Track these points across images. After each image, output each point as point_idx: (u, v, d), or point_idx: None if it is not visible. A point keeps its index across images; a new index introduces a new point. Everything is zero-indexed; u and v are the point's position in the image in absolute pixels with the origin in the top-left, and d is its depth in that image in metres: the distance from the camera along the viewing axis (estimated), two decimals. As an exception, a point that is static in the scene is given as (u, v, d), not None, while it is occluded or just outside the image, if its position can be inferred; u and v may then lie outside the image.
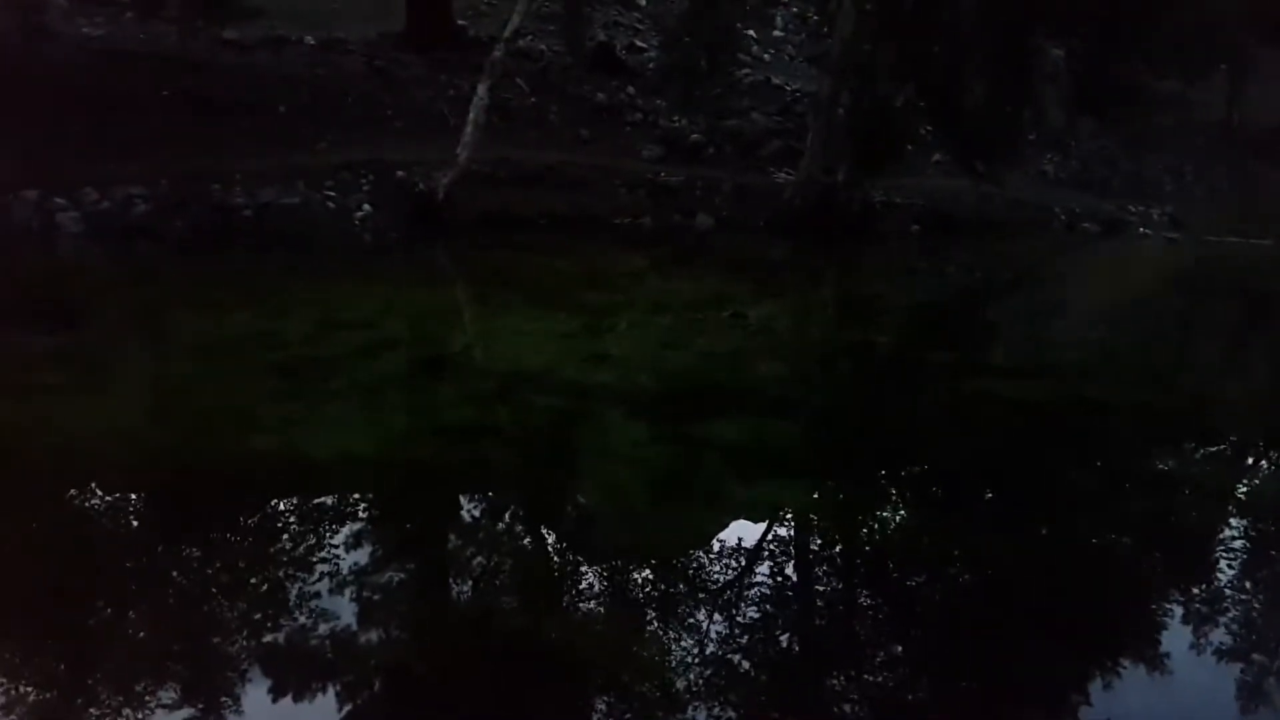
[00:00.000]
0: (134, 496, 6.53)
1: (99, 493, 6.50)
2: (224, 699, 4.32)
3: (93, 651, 4.66)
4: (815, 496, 6.84)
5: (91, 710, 4.21)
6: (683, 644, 4.78)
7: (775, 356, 10.45)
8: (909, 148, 19.37)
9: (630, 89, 22.85)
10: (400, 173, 17.05)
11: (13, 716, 4.08)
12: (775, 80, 24.19)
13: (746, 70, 24.24)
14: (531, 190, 17.72)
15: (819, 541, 6.30)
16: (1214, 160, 28.03)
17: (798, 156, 19.29)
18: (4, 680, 4.31)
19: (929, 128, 20.08)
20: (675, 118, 21.77)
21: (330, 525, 6.00)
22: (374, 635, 4.87)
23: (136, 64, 18.03)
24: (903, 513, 6.82)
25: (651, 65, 23.47)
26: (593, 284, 13.50)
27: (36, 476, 6.63)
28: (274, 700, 4.36)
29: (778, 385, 9.18)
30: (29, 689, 4.29)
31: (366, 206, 16.25)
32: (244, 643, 4.73)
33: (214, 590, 5.27)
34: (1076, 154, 25.67)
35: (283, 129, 17.58)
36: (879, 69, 17.92)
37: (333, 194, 16.18)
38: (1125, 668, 4.79)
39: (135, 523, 6.25)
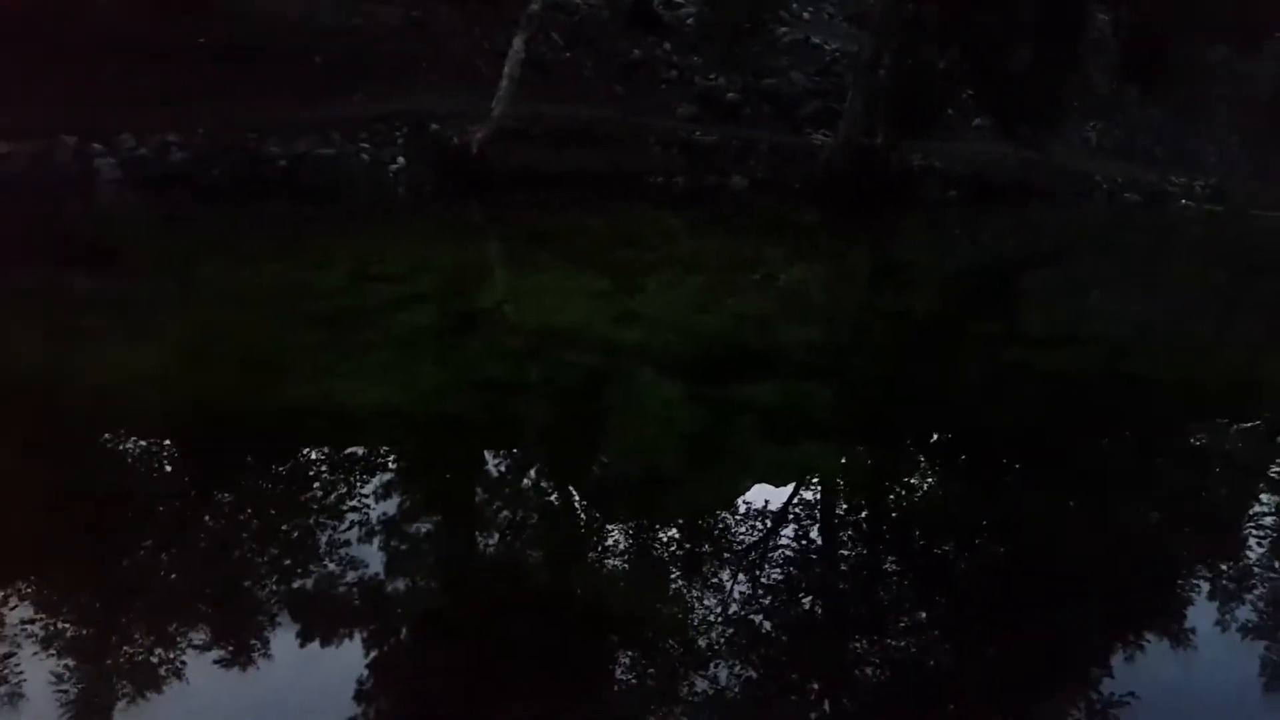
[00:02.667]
0: (171, 442, 6.61)
1: (137, 437, 6.59)
2: (252, 641, 4.38)
3: (126, 592, 4.73)
4: (848, 462, 6.81)
5: (124, 649, 4.29)
6: (711, 605, 4.79)
7: (808, 320, 10.38)
8: (950, 112, 19.05)
9: (666, 45, 22.58)
10: (435, 126, 16.99)
11: (51, 653, 4.17)
12: (814, 39, 23.80)
13: (785, 28, 23.87)
14: (564, 147, 17.60)
15: (851, 507, 6.28)
16: (1261, 133, 27.40)
17: (836, 118, 19.04)
18: (42, 618, 4.41)
19: (970, 91, 19.72)
20: (712, 75, 21.51)
21: (364, 476, 6.05)
22: (402, 586, 4.91)
23: (174, 12, 18.00)
24: (936, 481, 6.79)
25: (689, 21, 23.15)
26: (625, 243, 13.44)
27: (76, 419, 6.72)
28: (301, 645, 4.42)
29: (811, 349, 9.12)
30: (65, 627, 4.38)
31: (401, 159, 16.22)
32: (274, 588, 4.80)
33: (246, 536, 5.33)
34: (1120, 123, 25.17)
35: (318, 79, 17.54)
36: (922, 30, 17.59)
37: (367, 146, 16.16)
38: (1156, 641, 4.76)
39: (172, 468, 6.33)
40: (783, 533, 5.66)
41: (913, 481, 6.71)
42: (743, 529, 5.67)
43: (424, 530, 5.55)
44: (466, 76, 18.87)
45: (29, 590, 4.67)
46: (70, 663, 4.13)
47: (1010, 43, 18.07)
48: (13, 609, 4.44)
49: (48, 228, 12.37)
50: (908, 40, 17.67)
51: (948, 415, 7.93)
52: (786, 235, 15.36)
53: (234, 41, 17.63)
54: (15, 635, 4.24)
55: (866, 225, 16.95)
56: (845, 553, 5.74)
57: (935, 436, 7.81)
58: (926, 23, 17.66)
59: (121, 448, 6.50)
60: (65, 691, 3.97)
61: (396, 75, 18.45)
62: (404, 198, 15.51)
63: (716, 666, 4.31)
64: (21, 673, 4.03)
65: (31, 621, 4.37)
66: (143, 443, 6.58)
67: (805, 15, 26.24)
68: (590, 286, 10.67)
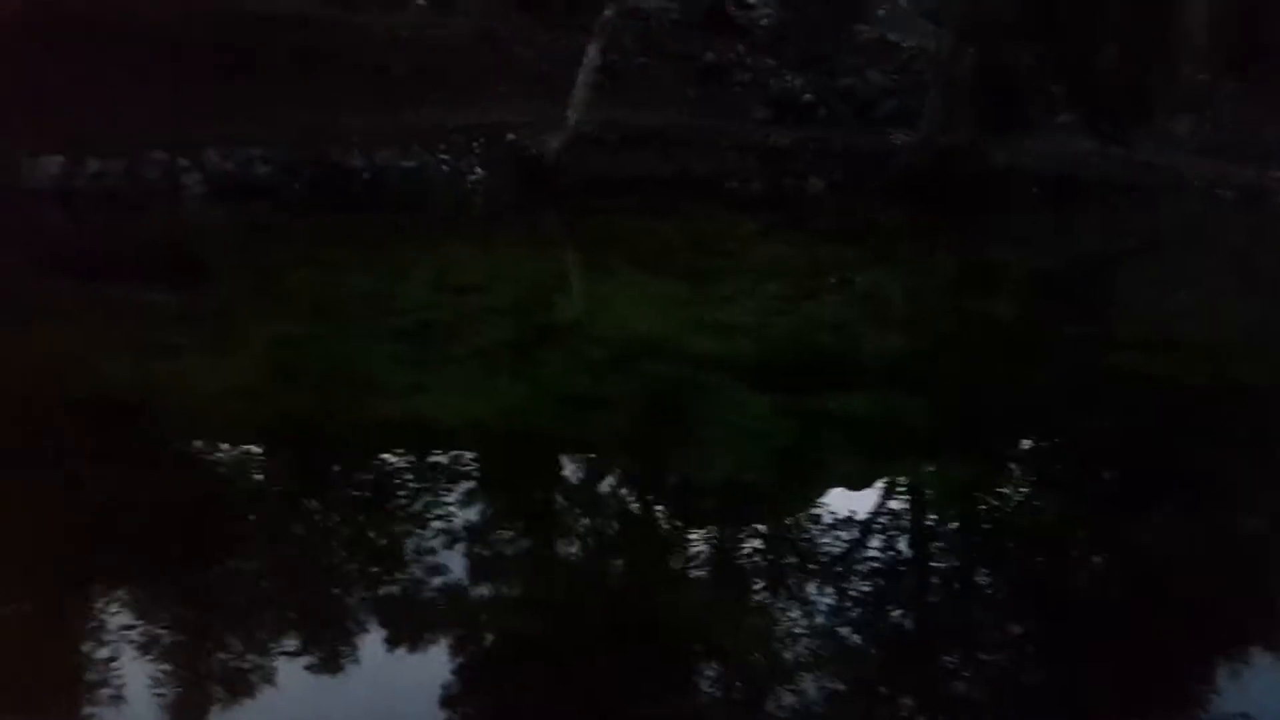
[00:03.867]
0: (260, 454, 6.68)
1: (226, 449, 6.67)
2: (340, 649, 4.45)
3: (217, 601, 4.85)
4: (942, 476, 6.59)
5: (215, 655, 4.40)
6: (801, 621, 4.69)
7: (894, 326, 10.15)
8: (1034, 108, 18.54)
9: (740, 47, 22.37)
10: (511, 135, 17.04)
11: (147, 657, 4.29)
12: (891, 36, 23.40)
13: (862, 26, 23.51)
14: (639, 153, 17.52)
15: (946, 522, 6.08)
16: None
17: (915, 116, 18.65)
18: (139, 624, 4.52)
19: (1055, 87, 19.17)
20: (787, 77, 21.26)
21: (451, 491, 6.03)
22: (486, 600, 4.92)
23: (254, 24, 18.34)
24: (1033, 495, 6.56)
25: (764, 23, 22.93)
26: (701, 248, 13.32)
27: (166, 431, 6.83)
28: (386, 652, 4.47)
29: (897, 357, 8.90)
30: (160, 634, 4.48)
31: (478, 170, 16.31)
32: (361, 598, 4.84)
33: (334, 547, 5.36)
34: (1213, 117, 24.28)
35: (397, 91, 17.71)
36: (1005, 25, 17.14)
37: (446, 157, 16.28)
38: (1268, 661, 4.58)
39: (261, 480, 6.39)
40: (875, 548, 5.51)
41: (1008, 495, 6.50)
42: (833, 544, 5.54)
43: (511, 544, 5.53)
44: (541, 85, 18.90)
45: (126, 598, 4.80)
46: (166, 667, 4.26)
47: (1097, 36, 17.52)
48: (112, 615, 4.59)
49: (137, 242, 12.65)
50: (990, 36, 17.23)
51: (1047, 426, 7.67)
52: (866, 237, 15.08)
53: (313, 53, 17.90)
54: (115, 640, 4.38)
55: (949, 226, 16.56)
56: (939, 569, 5.59)
57: (1035, 450, 7.56)
58: (1008, 18, 17.20)
59: (211, 460, 6.59)
60: (161, 694, 4.09)
61: (473, 85, 18.55)
62: (482, 208, 15.60)
63: (803, 681, 4.23)
64: (121, 677, 4.15)
65: (130, 628, 4.49)
66: (232, 455, 6.66)
67: (880, 13, 25.83)
68: (668, 294, 10.57)
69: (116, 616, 4.59)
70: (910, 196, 16.88)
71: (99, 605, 4.71)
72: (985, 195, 17.08)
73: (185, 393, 7.26)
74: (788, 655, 4.44)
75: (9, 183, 14.12)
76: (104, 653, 4.31)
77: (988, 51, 17.37)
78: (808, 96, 20.59)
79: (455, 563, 5.14)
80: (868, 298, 11.26)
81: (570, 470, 6.63)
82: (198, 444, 6.76)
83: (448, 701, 4.20)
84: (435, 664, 4.39)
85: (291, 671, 4.27)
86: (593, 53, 16.63)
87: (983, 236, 16.05)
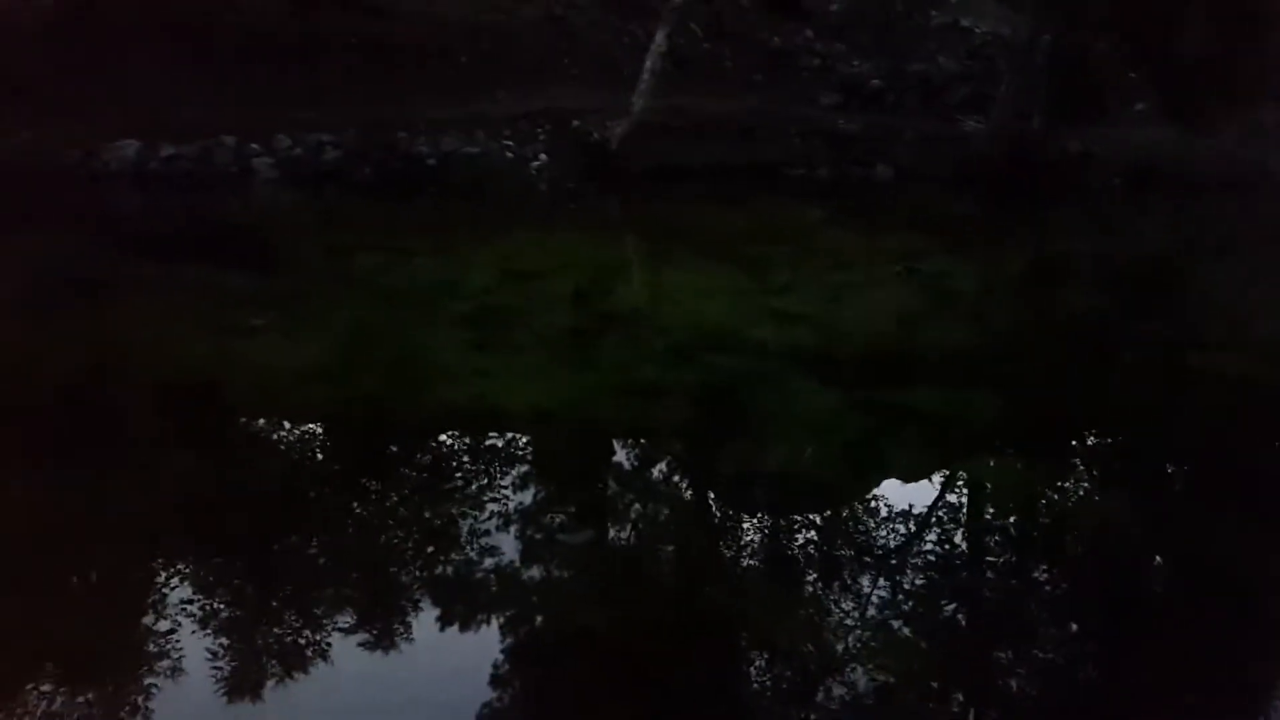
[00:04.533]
0: (328, 437, 6.77)
1: (295, 432, 6.77)
2: (399, 629, 4.56)
3: (283, 579, 4.97)
4: (1014, 476, 6.44)
5: (276, 630, 4.53)
6: (868, 620, 4.66)
7: (963, 319, 9.94)
8: (1111, 95, 18.04)
9: (808, 32, 22.09)
10: (576, 122, 17.04)
11: (209, 631, 4.46)
12: (964, 22, 22.93)
13: (933, 11, 23.07)
14: (704, 140, 17.40)
15: (1019, 524, 5.94)
16: None
17: (987, 104, 18.28)
18: (202, 599, 4.67)
19: (1133, 74, 18.63)
20: (855, 62, 20.95)
21: (515, 479, 6.05)
22: (546, 589, 4.93)
23: (323, 10, 18.55)
24: (1103, 496, 6.38)
25: (834, 7, 22.62)
26: (767, 238, 13.17)
27: (237, 413, 6.96)
28: (445, 631, 4.57)
29: (967, 350, 8.73)
30: (223, 609, 4.64)
31: (543, 156, 16.33)
32: (422, 584, 4.91)
33: (400, 531, 5.41)
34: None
35: (463, 77, 17.82)
36: (1082, 10, 16.68)
37: (511, 144, 16.32)
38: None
39: (328, 463, 6.47)
40: (938, 544, 5.43)
41: (1076, 493, 6.33)
42: (895, 539, 5.48)
43: (571, 532, 5.52)
44: (607, 72, 18.87)
45: (194, 573, 4.95)
46: (232, 641, 4.40)
47: (1179, 19, 16.96)
48: (175, 589, 4.74)
49: (210, 224, 12.90)
50: (1067, 20, 16.78)
51: (1114, 423, 7.47)
52: (935, 227, 14.78)
53: (382, 39, 18.06)
54: (177, 614, 4.53)
55: (1022, 216, 16.20)
56: (1002, 566, 5.48)
57: (1101, 446, 7.36)
58: (1087, 2, 16.73)
59: (281, 441, 6.69)
60: (220, 668, 4.23)
61: (538, 72, 18.58)
62: (546, 194, 15.61)
63: (859, 675, 4.24)
64: (182, 649, 4.31)
65: (191, 602, 4.64)
66: (301, 437, 6.76)
67: (952, -2, 25.32)
68: (734, 283, 10.49)
69: (177, 590, 4.72)
70: (981, 185, 16.54)
71: (172, 581, 4.82)
72: (1059, 185, 16.67)
73: (258, 373, 7.39)
74: (845, 649, 4.43)
75: (87, 166, 14.48)
76: (173, 627, 4.44)
77: (1064, 36, 16.93)
78: (877, 82, 20.28)
79: (515, 548, 5.18)
80: (935, 289, 11.04)
81: (632, 460, 6.60)
82: (270, 424, 6.88)
83: (499, 682, 4.28)
84: (490, 647, 4.46)
85: (351, 649, 4.37)
86: (660, 39, 16.54)
87: (1055, 228, 15.66)
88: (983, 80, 19.79)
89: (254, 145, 15.14)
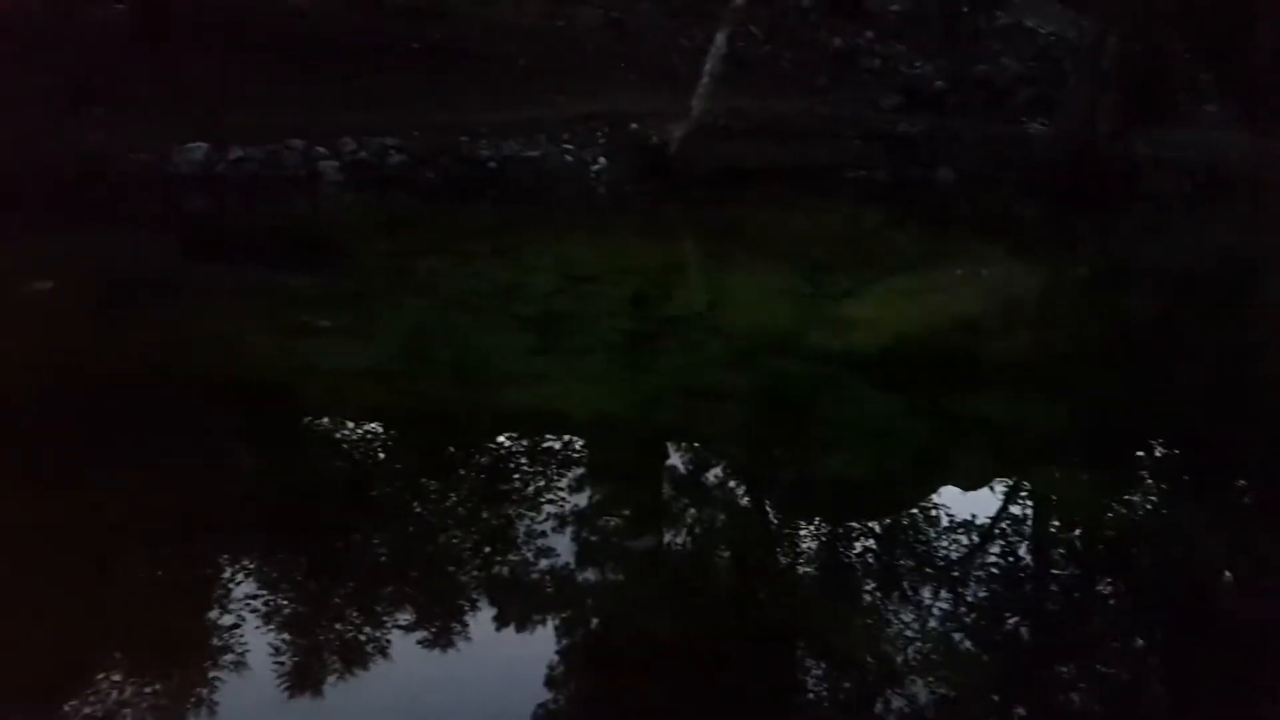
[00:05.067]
0: (391, 438, 6.87)
1: (358, 432, 6.89)
2: (455, 627, 4.62)
3: (341, 576, 5.05)
4: (1075, 483, 6.34)
5: (335, 626, 4.63)
6: (932, 630, 4.61)
7: (1025, 324, 9.80)
8: (1181, 98, 17.64)
9: (869, 33, 21.92)
10: (634, 125, 17.07)
11: (271, 626, 4.54)
12: (1028, 22, 22.59)
13: (997, 12, 22.76)
14: (763, 142, 17.32)
15: (1079, 532, 5.84)
16: None
17: (1052, 106, 17.97)
18: (263, 594, 4.79)
19: (1204, 75, 18.18)
20: (917, 64, 20.73)
21: (578, 483, 6.09)
22: (603, 592, 4.99)
23: (386, 14, 18.81)
24: (1168, 506, 6.25)
25: (895, 7, 22.42)
26: (827, 241, 13.12)
27: (305, 413, 7.10)
28: (500, 631, 4.64)
29: (1030, 357, 8.60)
30: (283, 604, 4.75)
31: (602, 160, 16.38)
32: (477, 583, 4.97)
33: (457, 533, 5.48)
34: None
35: (523, 81, 17.94)
36: (1153, 11, 16.32)
37: (570, 147, 16.40)
38: None
39: (392, 464, 6.56)
40: (999, 554, 5.38)
41: (1148, 510, 6.20)
42: (955, 548, 5.43)
43: (630, 536, 5.55)
44: (666, 74, 18.88)
45: (258, 569, 5.07)
46: (287, 636, 4.49)
47: (1251, 22, 16.52)
48: (239, 584, 4.86)
49: (276, 226, 13.15)
50: (1135, 22, 16.43)
51: (1185, 436, 7.30)
52: (998, 231, 14.60)
53: (443, 43, 18.26)
54: (239, 609, 4.63)
55: (1088, 221, 15.90)
56: (1062, 577, 5.42)
57: (1168, 455, 7.21)
58: (1156, 2, 16.37)
59: (345, 441, 6.81)
60: (282, 663, 4.32)
61: (598, 75, 18.65)
62: (605, 197, 15.67)
63: (914, 685, 4.20)
64: (245, 644, 4.40)
65: (255, 597, 4.74)
66: (365, 437, 6.87)
67: (1017, -2, 24.94)
68: (793, 286, 10.45)
69: (240, 586, 4.83)
70: (1046, 189, 16.26)
71: (236, 576, 4.95)
72: (1126, 190, 16.33)
73: (323, 373, 7.51)
74: (902, 660, 4.39)
75: (158, 168, 14.83)
76: (236, 621, 4.54)
77: (1132, 38, 16.58)
78: (939, 84, 20.04)
79: (576, 552, 5.22)
80: (998, 294, 10.90)
81: (692, 465, 6.61)
82: (334, 423, 7.01)
83: (555, 684, 4.32)
84: (548, 649, 4.51)
85: (412, 648, 4.43)
86: (720, 41, 16.50)
87: (1122, 233, 15.36)
88: (1047, 82, 19.46)
89: (320, 149, 15.38)
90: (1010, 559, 5.37)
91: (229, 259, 11.07)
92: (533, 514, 5.57)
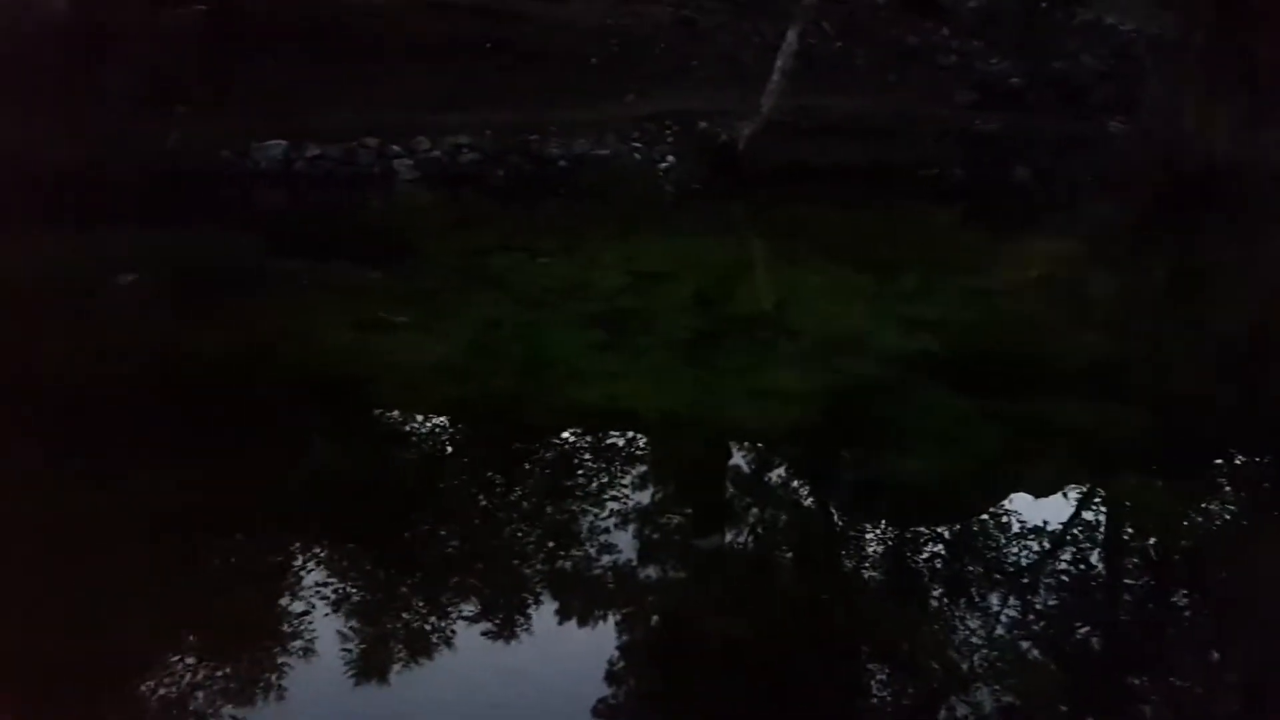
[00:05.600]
0: (466, 433, 6.99)
1: (434, 426, 7.01)
2: (517, 617, 4.72)
3: (410, 566, 5.19)
4: (1151, 491, 6.18)
5: (403, 615, 4.75)
6: (989, 634, 4.59)
7: (1102, 328, 9.56)
8: (1270, 96, 17.06)
9: (944, 30, 21.59)
10: (703, 123, 17.05)
11: (341, 613, 4.69)
12: (1108, 19, 22.05)
13: (1076, 7, 22.25)
14: (834, 140, 17.15)
15: (1168, 551, 5.69)
16: None
17: (1133, 105, 17.53)
18: (334, 583, 4.93)
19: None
20: (993, 60, 20.36)
21: (645, 481, 6.14)
22: (664, 591, 5.02)
23: (459, 14, 19.02)
24: (1258, 525, 6.05)
25: (970, 4, 22.04)
26: (897, 240, 12.96)
27: (378, 406, 7.25)
28: (560, 624, 4.71)
29: (1111, 363, 8.40)
30: (353, 593, 4.89)
31: (670, 158, 16.40)
32: (540, 579, 5.04)
33: (522, 529, 5.55)
34: None
35: (594, 79, 18.03)
36: (1239, 6, 15.82)
37: (639, 145, 16.45)
38: None
39: (461, 457, 6.67)
40: (1078, 568, 5.28)
41: (1226, 521, 6.03)
42: (1032, 560, 5.33)
43: (696, 535, 5.56)
44: (736, 72, 18.81)
45: (325, 557, 5.21)
46: (355, 624, 4.62)
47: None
48: (309, 573, 5.00)
49: (352, 222, 13.41)
50: (1223, 18, 15.94)
51: (1266, 447, 7.07)
52: (1076, 233, 14.27)
53: (515, 42, 18.43)
54: (310, 596, 4.78)
55: (1169, 223, 15.46)
56: (1138, 588, 5.35)
57: (1252, 471, 6.99)
58: (1246, -2, 15.87)
59: (416, 434, 6.95)
60: (349, 650, 4.44)
61: (667, 74, 18.67)
62: (673, 196, 15.68)
63: (978, 691, 4.19)
64: (314, 631, 4.54)
65: (324, 584, 4.89)
66: (436, 431, 6.99)
67: (1097, -7, 24.35)
68: (863, 286, 10.34)
69: (311, 574, 4.97)
70: (1126, 190, 15.87)
71: (308, 564, 5.09)
72: (1210, 190, 15.85)
73: (397, 368, 7.65)
74: (967, 667, 4.37)
75: (237, 165, 15.22)
76: (306, 608, 4.68)
77: (1218, 33, 16.09)
78: (1015, 81, 19.65)
79: (637, 547, 5.28)
80: (1074, 297, 10.66)
81: (758, 464, 6.60)
82: (406, 417, 7.14)
83: (615, 679, 4.38)
84: (609, 643, 4.57)
85: (474, 638, 4.53)
86: (791, 38, 16.40)
87: (1205, 236, 14.91)
88: (1129, 80, 18.96)
89: (394, 147, 15.66)
90: (1082, 567, 5.29)
91: (306, 254, 11.31)
92: (598, 510, 5.63)
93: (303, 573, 5.01)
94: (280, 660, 4.35)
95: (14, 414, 6.80)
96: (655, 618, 4.85)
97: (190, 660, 4.33)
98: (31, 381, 7.37)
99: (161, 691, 4.14)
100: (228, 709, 4.04)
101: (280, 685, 4.19)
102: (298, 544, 5.33)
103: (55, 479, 5.84)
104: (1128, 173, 15.90)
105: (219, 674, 4.26)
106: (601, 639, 4.62)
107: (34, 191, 12.93)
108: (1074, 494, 6.10)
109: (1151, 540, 5.73)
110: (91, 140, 14.03)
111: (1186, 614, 5.15)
